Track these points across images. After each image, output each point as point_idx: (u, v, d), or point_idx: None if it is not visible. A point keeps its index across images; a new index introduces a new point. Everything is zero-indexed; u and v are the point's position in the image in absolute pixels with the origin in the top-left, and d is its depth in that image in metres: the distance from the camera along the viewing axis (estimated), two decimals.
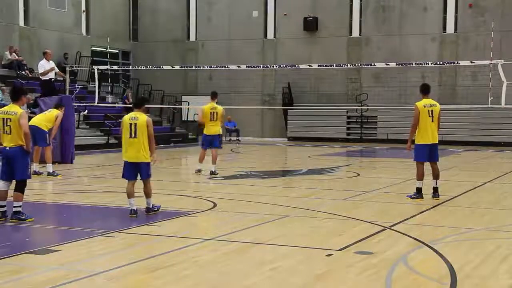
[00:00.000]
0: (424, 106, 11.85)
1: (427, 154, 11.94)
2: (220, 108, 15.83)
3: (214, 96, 15.93)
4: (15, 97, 9.77)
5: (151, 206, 10.23)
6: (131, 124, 10.00)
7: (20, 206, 9.55)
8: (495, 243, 8.46)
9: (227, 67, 25.67)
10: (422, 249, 7.98)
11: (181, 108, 32.82)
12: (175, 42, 35.01)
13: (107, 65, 30.19)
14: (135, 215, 9.93)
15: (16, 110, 9.59)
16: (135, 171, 10.11)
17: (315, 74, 31.88)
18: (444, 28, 30.85)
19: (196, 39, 34.88)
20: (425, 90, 12.12)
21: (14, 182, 9.74)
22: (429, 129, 11.84)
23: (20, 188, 9.64)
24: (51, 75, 20.22)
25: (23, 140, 9.54)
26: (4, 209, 9.70)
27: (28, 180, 9.80)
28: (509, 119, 28.10)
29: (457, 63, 25.24)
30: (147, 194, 10.17)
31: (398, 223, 9.59)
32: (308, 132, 31.23)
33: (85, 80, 29.22)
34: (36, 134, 15.87)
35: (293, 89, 32.41)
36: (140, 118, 10.03)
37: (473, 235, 9.07)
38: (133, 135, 9.98)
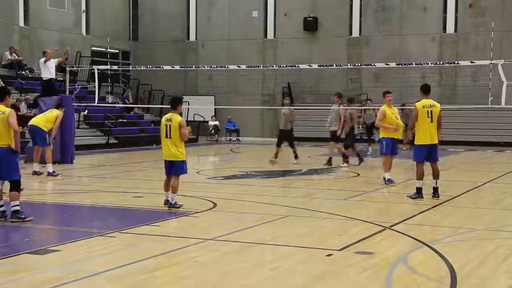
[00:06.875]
0: (423, 107, 11.85)
1: (425, 155, 11.94)
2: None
3: (387, 92, 14.72)
4: (0, 97, 9.70)
5: (173, 202, 10.81)
6: (166, 125, 10.76)
7: (18, 205, 9.52)
8: (495, 243, 8.46)
9: (227, 67, 25.66)
10: (422, 249, 7.97)
11: None
12: (175, 42, 35.00)
13: (107, 65, 30.21)
14: (167, 205, 10.77)
15: (3, 109, 9.50)
16: (170, 167, 10.88)
17: (315, 74, 31.87)
18: (444, 28, 30.85)
19: (196, 39, 34.87)
20: (425, 90, 12.13)
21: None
22: (428, 130, 11.82)
23: (15, 187, 9.60)
24: (52, 72, 20.03)
25: (12, 140, 9.46)
26: (3, 208, 9.68)
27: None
28: (509, 119, 28.10)
29: (457, 63, 25.20)
30: (173, 189, 10.83)
31: (398, 223, 9.59)
32: (308, 132, 31.20)
33: (85, 80, 29.24)
34: (36, 134, 15.90)
35: (293, 89, 32.40)
36: (174, 119, 10.70)
37: (473, 235, 9.06)
38: (168, 135, 10.74)
